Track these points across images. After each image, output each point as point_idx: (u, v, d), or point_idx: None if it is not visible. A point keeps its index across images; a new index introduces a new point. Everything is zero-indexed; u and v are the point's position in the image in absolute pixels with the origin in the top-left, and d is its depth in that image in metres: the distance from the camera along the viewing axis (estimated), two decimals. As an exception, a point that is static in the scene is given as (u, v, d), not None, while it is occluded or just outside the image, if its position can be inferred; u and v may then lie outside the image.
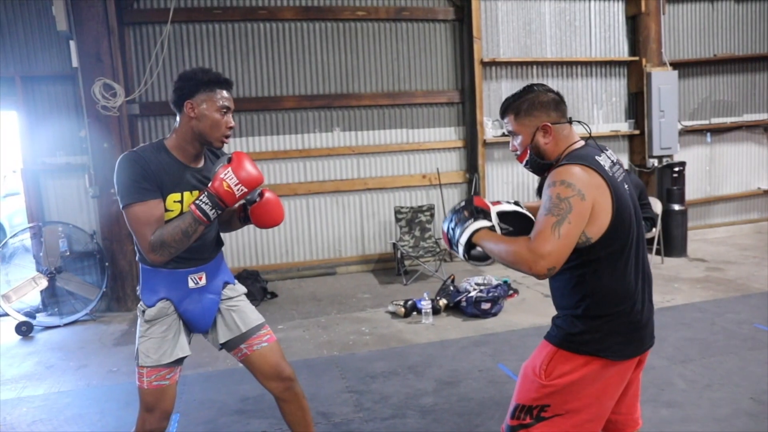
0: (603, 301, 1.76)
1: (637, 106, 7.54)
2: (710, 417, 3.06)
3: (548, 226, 1.62)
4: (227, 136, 2.17)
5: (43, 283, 5.39)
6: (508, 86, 7.18)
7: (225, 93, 2.15)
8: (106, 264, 5.65)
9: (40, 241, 5.54)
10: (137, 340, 2.22)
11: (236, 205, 2.17)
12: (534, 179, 7.19)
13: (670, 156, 7.32)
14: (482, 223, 1.84)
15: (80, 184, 5.93)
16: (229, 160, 2.05)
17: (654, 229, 6.26)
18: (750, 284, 5.53)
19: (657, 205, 6.37)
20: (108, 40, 5.53)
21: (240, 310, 2.35)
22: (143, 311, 2.21)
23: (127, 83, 5.91)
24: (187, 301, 2.22)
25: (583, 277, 1.77)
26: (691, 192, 7.70)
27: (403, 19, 6.84)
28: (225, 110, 2.14)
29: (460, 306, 5.08)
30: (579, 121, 1.91)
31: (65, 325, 5.35)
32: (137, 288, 2.25)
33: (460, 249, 1.85)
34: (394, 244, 6.62)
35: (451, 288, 5.29)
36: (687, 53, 7.77)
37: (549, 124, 1.82)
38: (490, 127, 7.05)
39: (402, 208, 6.70)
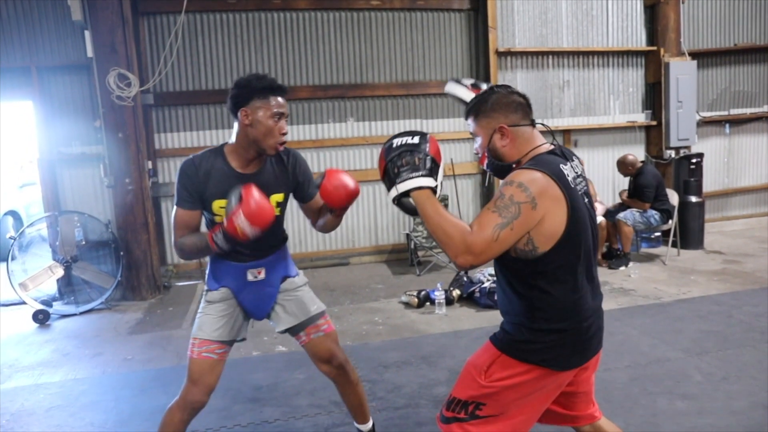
0: (551, 314, 1.74)
1: (655, 96, 7.44)
2: (726, 410, 3.02)
3: (491, 224, 1.58)
4: (282, 143, 2.23)
5: (59, 271, 5.45)
6: (523, 76, 7.12)
7: (279, 99, 2.20)
8: (121, 253, 5.69)
9: (56, 231, 5.59)
10: (197, 316, 2.38)
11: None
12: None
13: (688, 147, 7.22)
14: (429, 182, 1.69)
15: (95, 174, 5.97)
16: (240, 198, 2.02)
17: (670, 221, 6.19)
18: (768, 277, 5.46)
19: (674, 197, 6.29)
20: (122, 30, 5.54)
21: (298, 301, 2.47)
22: (206, 291, 2.38)
23: (141, 73, 5.93)
24: (246, 292, 2.37)
25: (533, 288, 1.73)
26: (709, 184, 7.59)
27: (418, 9, 6.79)
28: (278, 117, 2.19)
29: (473, 297, 5.06)
30: (542, 124, 1.85)
31: (81, 313, 5.40)
32: (206, 272, 2.43)
33: (394, 193, 1.71)
34: (407, 235, 6.61)
35: (465, 279, 5.27)
36: (706, 43, 7.65)
37: (505, 126, 1.77)
38: (505, 118, 6.99)
39: (415, 198, 6.66)
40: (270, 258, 2.39)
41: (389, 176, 1.73)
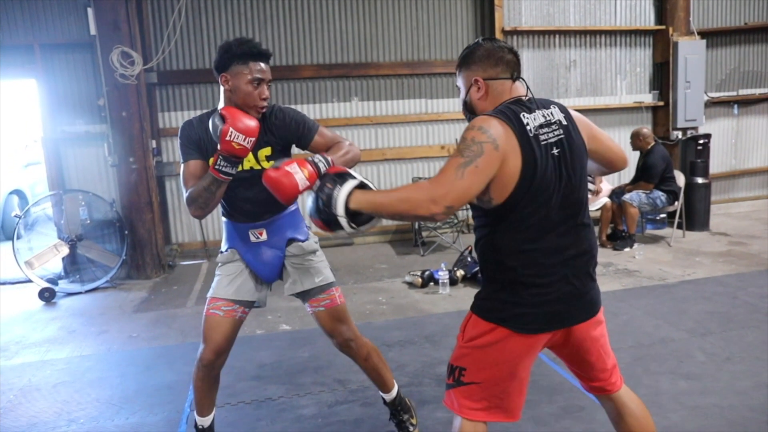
0: (504, 269, 1.70)
1: (662, 76, 7.36)
2: (730, 389, 3.02)
3: (454, 165, 1.56)
4: (262, 107, 2.24)
5: (65, 250, 5.47)
6: (530, 56, 7.05)
7: (260, 65, 2.20)
8: (126, 232, 5.70)
9: (61, 210, 5.60)
10: None
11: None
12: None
13: (695, 128, 7.15)
14: (351, 182, 1.69)
15: (99, 153, 5.97)
16: (223, 119, 2.07)
17: (676, 203, 6.16)
18: (774, 259, 5.44)
19: (680, 178, 6.25)
20: (126, 7, 5.49)
21: (303, 269, 2.46)
22: (219, 254, 2.48)
23: (144, 51, 5.89)
24: (250, 253, 2.41)
25: (489, 240, 1.72)
26: (716, 165, 7.53)
27: (423, -14, 6.71)
28: (257, 82, 2.19)
29: (477, 277, 5.06)
30: (522, 78, 1.81)
31: (86, 291, 5.43)
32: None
33: (343, 221, 1.68)
34: (411, 216, 6.58)
35: (469, 259, 5.26)
36: (716, 21, 7.53)
37: (480, 79, 1.76)
38: (511, 98, 6.92)
39: (420, 178, 6.66)
40: (271, 219, 2.39)
41: (329, 219, 1.70)
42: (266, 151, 2.31)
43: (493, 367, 1.73)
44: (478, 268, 5.04)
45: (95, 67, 5.81)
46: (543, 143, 1.66)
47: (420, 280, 5.07)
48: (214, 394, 2.51)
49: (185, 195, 2.22)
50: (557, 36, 7.11)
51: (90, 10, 5.52)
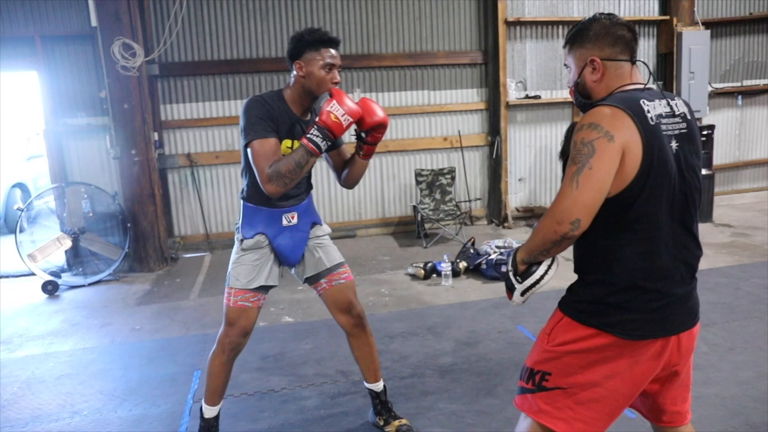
0: (615, 270, 1.55)
1: (666, 67, 7.31)
2: (732, 380, 3.02)
3: (568, 177, 1.46)
4: None
5: (67, 243, 5.47)
6: (532, 47, 7.01)
7: (332, 51, 2.33)
8: (128, 225, 5.70)
9: (64, 202, 5.60)
10: (230, 265, 2.50)
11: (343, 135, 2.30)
12: (558, 143, 7.06)
13: (699, 119, 7.11)
14: (520, 252, 1.67)
15: (101, 146, 5.96)
16: (330, 95, 2.23)
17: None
18: (777, 250, 5.42)
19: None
20: (127, -2, 5.47)
21: (325, 248, 2.62)
22: (241, 240, 2.48)
23: (146, 43, 5.87)
24: (281, 237, 2.50)
25: (597, 238, 1.55)
26: (719, 156, 7.50)
27: (425, -23, 6.67)
28: (329, 67, 2.32)
29: (480, 269, 5.05)
30: (643, 62, 1.67)
31: (89, 284, 5.44)
32: (236, 223, 2.55)
33: (511, 276, 1.69)
34: (414, 207, 6.59)
35: (471, 251, 5.26)
36: (720, 12, 7.48)
37: (597, 59, 1.60)
38: (514, 89, 6.90)
39: (423, 170, 6.64)
40: (302, 204, 2.53)
41: (508, 283, 1.72)
42: None
43: (585, 374, 1.58)
44: (480, 260, 5.03)
45: (97, 59, 5.79)
46: (664, 133, 1.53)
47: (423, 271, 5.07)
48: (228, 381, 2.58)
49: (266, 171, 2.21)
50: (560, 26, 7.06)
51: (91, 2, 5.50)
